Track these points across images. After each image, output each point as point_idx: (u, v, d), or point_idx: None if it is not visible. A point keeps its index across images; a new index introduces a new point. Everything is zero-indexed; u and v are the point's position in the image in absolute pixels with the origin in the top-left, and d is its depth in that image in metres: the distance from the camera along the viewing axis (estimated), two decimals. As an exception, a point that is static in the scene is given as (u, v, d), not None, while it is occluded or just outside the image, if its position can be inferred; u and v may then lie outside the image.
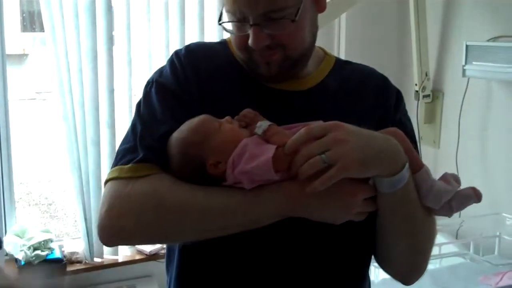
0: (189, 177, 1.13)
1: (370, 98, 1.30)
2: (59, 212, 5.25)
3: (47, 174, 6.32)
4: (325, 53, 1.37)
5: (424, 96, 3.05)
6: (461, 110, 2.88)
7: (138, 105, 1.27)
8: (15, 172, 3.05)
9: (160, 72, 1.29)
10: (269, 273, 1.20)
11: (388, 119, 1.27)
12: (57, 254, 2.94)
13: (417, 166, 1.14)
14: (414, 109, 3.06)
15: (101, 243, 2.97)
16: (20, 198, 5.63)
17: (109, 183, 1.17)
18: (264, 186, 1.09)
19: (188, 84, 1.23)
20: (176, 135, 1.16)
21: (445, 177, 1.17)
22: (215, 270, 1.23)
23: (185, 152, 1.14)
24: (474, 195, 1.16)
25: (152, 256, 3.07)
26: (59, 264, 2.90)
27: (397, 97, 1.33)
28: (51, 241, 2.98)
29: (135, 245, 2.76)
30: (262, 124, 1.12)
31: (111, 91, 2.92)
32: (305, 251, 1.20)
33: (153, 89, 1.26)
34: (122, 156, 1.19)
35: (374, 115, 1.26)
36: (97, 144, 2.90)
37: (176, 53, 1.30)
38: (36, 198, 5.74)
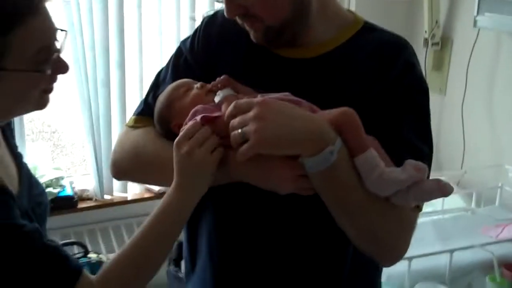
0: (164, 134, 1.29)
1: (374, 71, 1.24)
2: (62, 141, 5.27)
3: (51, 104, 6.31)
4: (355, 17, 1.33)
5: (433, 44, 3.05)
6: (469, 60, 2.88)
7: None
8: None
9: (188, 37, 1.40)
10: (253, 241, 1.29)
11: (386, 93, 1.22)
12: (68, 191, 3.01)
13: (358, 149, 1.09)
14: (423, 57, 3.06)
15: (111, 181, 3.07)
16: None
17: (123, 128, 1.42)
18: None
19: (199, 52, 1.35)
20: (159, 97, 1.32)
21: (404, 166, 1.09)
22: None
23: (159, 113, 1.30)
24: (437, 190, 1.08)
25: (160, 195, 3.12)
26: (70, 201, 2.97)
27: (404, 69, 1.24)
28: (62, 178, 3.04)
29: (134, 182, 2.85)
30: (221, 93, 1.20)
31: (121, 31, 2.91)
32: (284, 222, 1.26)
33: (175, 52, 1.40)
34: (137, 107, 1.41)
35: (373, 89, 1.22)
36: (107, 85, 2.93)
37: (202, 20, 1.39)
38: (39, 126, 5.75)
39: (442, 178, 2.60)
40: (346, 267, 1.29)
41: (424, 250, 2.08)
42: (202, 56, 1.35)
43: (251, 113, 1.05)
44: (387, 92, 1.21)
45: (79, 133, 3.06)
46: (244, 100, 1.09)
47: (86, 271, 1.15)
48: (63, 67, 1.19)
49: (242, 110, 1.07)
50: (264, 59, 1.29)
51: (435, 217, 2.46)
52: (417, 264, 2.06)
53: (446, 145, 3.04)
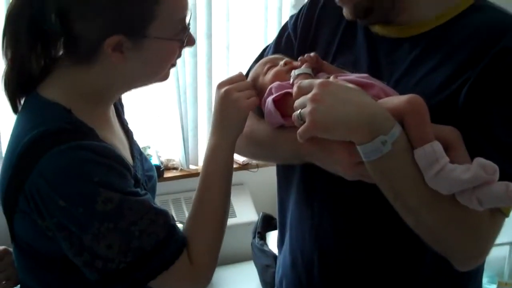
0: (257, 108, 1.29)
1: (466, 57, 1.11)
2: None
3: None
4: None
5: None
6: None
7: None
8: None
9: (294, 14, 1.42)
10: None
11: (474, 81, 1.08)
12: (154, 160, 3.04)
13: (419, 141, 1.01)
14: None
15: (197, 151, 3.08)
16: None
17: None
18: (286, 128, 1.18)
19: (300, 29, 1.36)
20: None
21: (471, 164, 1.00)
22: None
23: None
24: (505, 195, 0.97)
25: (244, 166, 3.16)
26: (157, 171, 2.99)
27: (500, 56, 1.08)
28: (149, 147, 3.07)
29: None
30: (295, 72, 1.19)
31: (209, 0, 2.89)
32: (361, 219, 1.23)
33: (281, 27, 1.44)
34: None
35: (461, 77, 1.10)
36: (195, 55, 2.93)
37: None
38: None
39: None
40: (427, 254, 1.19)
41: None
42: (302, 33, 1.36)
43: (309, 95, 1.04)
44: (475, 81, 1.09)
45: (165, 103, 3.07)
46: (307, 81, 1.09)
47: None
48: (192, 40, 1.21)
49: (304, 90, 1.07)
50: (359, 37, 1.27)
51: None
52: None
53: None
